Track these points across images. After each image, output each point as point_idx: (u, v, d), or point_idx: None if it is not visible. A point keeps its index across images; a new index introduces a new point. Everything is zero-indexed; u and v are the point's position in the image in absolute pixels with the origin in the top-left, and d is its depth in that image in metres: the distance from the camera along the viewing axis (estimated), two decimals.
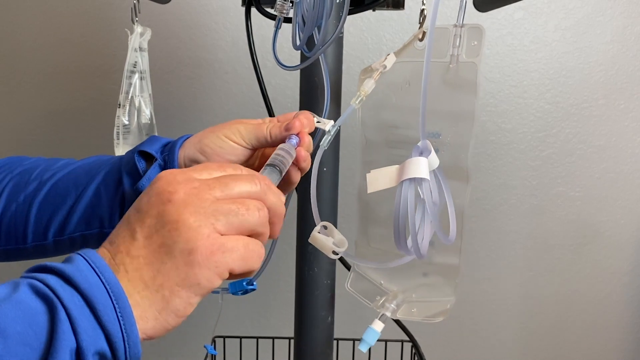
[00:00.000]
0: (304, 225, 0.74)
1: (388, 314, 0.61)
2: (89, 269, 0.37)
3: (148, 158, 0.56)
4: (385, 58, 0.60)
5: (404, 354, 0.97)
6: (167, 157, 0.54)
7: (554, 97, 1.17)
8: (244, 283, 0.70)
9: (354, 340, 0.99)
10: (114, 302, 0.36)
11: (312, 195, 0.58)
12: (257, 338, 1.00)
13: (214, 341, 0.97)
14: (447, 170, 0.58)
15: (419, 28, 0.61)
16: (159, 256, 0.38)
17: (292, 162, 0.51)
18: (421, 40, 0.60)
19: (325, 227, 0.57)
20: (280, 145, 0.51)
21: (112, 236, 0.40)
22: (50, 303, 0.35)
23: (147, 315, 0.38)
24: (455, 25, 0.59)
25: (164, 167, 0.55)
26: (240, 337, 0.99)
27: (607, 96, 1.17)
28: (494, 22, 1.14)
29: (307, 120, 0.53)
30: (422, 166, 0.53)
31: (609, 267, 1.25)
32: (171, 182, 0.40)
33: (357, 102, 0.59)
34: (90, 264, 0.37)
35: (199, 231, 0.38)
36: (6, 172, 0.61)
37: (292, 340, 0.81)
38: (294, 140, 0.52)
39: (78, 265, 0.37)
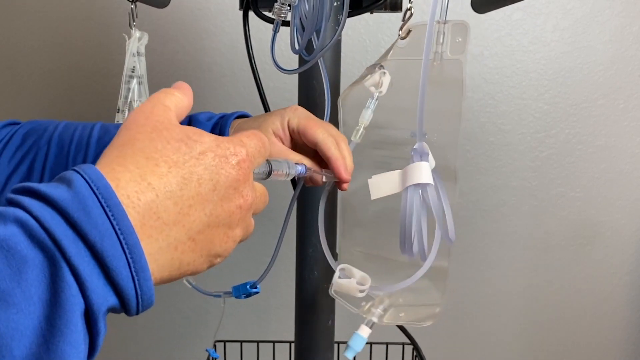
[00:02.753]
0: (304, 229, 0.74)
1: (375, 319, 0.61)
2: (97, 206, 0.30)
3: None
4: (380, 80, 0.58)
5: (405, 356, 0.97)
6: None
7: (553, 98, 1.17)
8: (248, 286, 0.70)
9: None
10: (128, 257, 0.31)
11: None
12: (258, 342, 0.99)
13: (214, 345, 0.97)
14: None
15: (401, 26, 0.60)
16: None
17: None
18: (403, 38, 0.59)
19: (343, 270, 0.57)
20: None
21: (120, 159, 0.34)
22: (50, 256, 0.29)
23: (157, 261, 0.34)
24: (438, 22, 0.58)
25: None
26: (241, 341, 0.99)
27: (606, 96, 1.17)
28: (492, 24, 1.14)
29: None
30: (425, 171, 0.53)
31: (609, 267, 1.24)
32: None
33: (357, 136, 0.59)
34: (98, 198, 0.30)
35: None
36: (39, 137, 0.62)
37: (292, 344, 0.80)
38: (301, 167, 0.52)
39: (83, 200, 0.30)
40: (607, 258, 1.24)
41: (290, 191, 0.68)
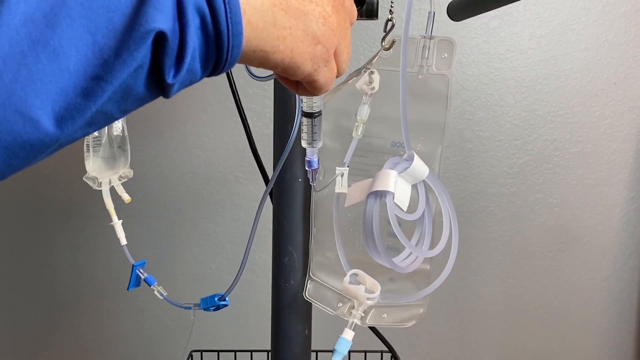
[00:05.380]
0: (280, 237, 0.73)
1: (357, 321, 0.61)
2: None
3: None
4: (370, 78, 0.59)
5: None
6: None
7: (531, 105, 1.18)
8: (216, 299, 0.69)
9: (332, 351, 0.98)
10: None
11: (337, 242, 0.57)
12: (235, 352, 0.98)
13: (191, 355, 0.96)
14: None
15: (383, 37, 0.60)
16: None
17: None
18: (387, 49, 0.59)
19: (356, 275, 0.57)
20: None
21: None
22: None
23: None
24: (424, 37, 0.59)
25: None
26: (218, 351, 0.98)
27: (583, 103, 1.18)
28: (470, 31, 1.14)
29: None
30: (388, 179, 0.53)
31: (587, 272, 1.25)
32: None
33: (358, 132, 0.59)
34: None
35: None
36: None
37: (270, 353, 0.80)
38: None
39: None
40: (585, 264, 1.25)
41: (268, 200, 0.68)
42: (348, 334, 0.60)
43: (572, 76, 1.17)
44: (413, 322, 0.62)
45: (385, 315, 0.63)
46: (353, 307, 0.61)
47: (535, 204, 1.22)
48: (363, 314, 0.61)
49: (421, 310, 0.63)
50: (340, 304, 0.63)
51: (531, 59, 1.16)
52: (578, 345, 1.29)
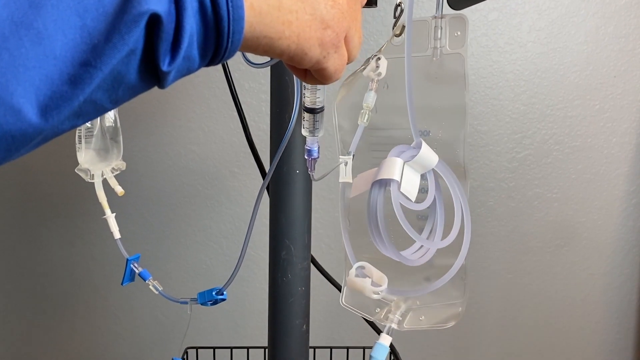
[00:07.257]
0: (277, 231, 0.72)
1: (394, 325, 0.59)
2: None
3: None
4: (377, 64, 0.57)
5: None
6: None
7: (530, 99, 1.17)
8: (214, 293, 0.68)
9: (330, 348, 0.96)
10: None
11: (344, 235, 0.56)
12: (231, 348, 0.97)
13: (186, 352, 0.94)
14: None
15: (394, 24, 0.58)
16: None
17: None
18: (398, 35, 0.58)
19: (362, 267, 0.55)
20: None
21: None
22: None
23: None
24: (435, 17, 0.57)
25: None
26: (214, 348, 0.96)
27: (582, 97, 1.17)
28: (469, 24, 1.13)
29: None
30: (393, 167, 0.51)
31: (587, 268, 1.24)
32: None
33: (364, 120, 0.57)
34: None
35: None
36: None
37: (267, 350, 0.78)
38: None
39: None
40: (584, 259, 1.24)
41: (265, 195, 0.66)
42: (385, 339, 0.58)
43: (571, 69, 1.16)
44: (453, 323, 0.60)
45: (423, 317, 0.60)
46: (390, 312, 0.59)
47: (535, 198, 1.21)
48: (400, 318, 0.59)
49: (459, 309, 0.61)
50: (378, 309, 0.61)
51: (530, 52, 1.15)
52: (577, 340, 1.28)
